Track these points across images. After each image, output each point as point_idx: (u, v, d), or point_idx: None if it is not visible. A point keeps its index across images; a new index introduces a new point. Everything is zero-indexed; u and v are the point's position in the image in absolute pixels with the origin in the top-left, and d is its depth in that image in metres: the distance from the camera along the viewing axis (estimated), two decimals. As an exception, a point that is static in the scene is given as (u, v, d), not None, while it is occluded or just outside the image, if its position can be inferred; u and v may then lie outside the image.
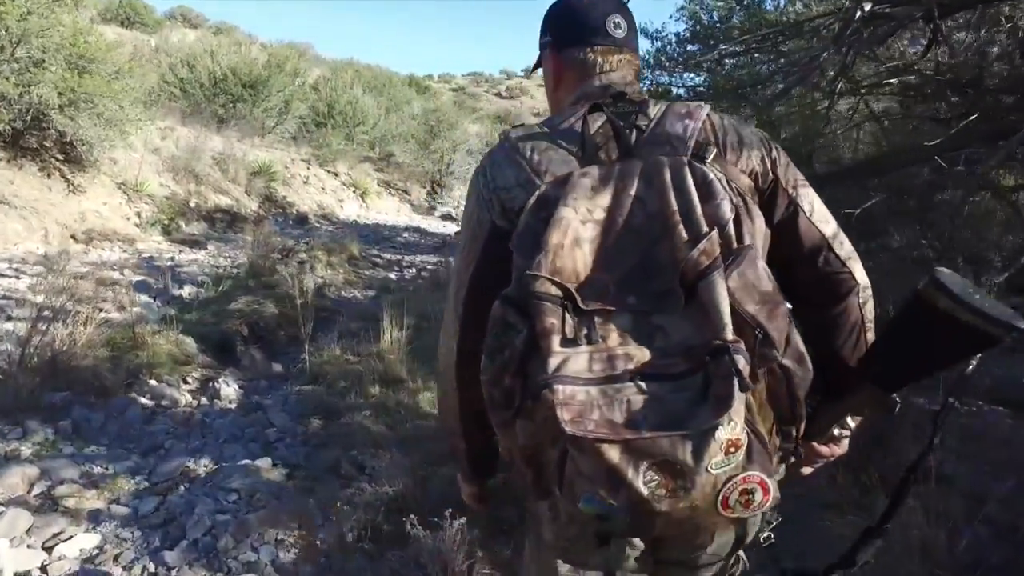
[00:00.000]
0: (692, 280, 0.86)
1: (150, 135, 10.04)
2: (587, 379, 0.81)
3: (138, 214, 8.96)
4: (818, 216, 1.06)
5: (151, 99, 10.71)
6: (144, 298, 6.03)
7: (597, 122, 1.01)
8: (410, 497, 2.70)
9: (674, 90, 10.40)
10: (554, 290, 0.86)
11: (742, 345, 0.81)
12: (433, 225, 14.61)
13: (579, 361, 0.83)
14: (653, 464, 0.78)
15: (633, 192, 0.94)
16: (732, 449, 0.79)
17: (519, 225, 0.97)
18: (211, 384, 4.52)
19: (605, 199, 0.94)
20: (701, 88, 10.14)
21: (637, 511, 0.80)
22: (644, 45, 13.43)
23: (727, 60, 9.45)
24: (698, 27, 10.00)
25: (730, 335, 0.81)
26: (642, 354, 0.83)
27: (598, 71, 1.13)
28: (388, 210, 14.56)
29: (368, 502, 2.66)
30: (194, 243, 8.98)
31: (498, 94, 34.45)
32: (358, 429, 3.60)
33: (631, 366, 0.82)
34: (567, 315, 0.86)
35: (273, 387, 4.71)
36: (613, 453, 0.78)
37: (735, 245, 0.91)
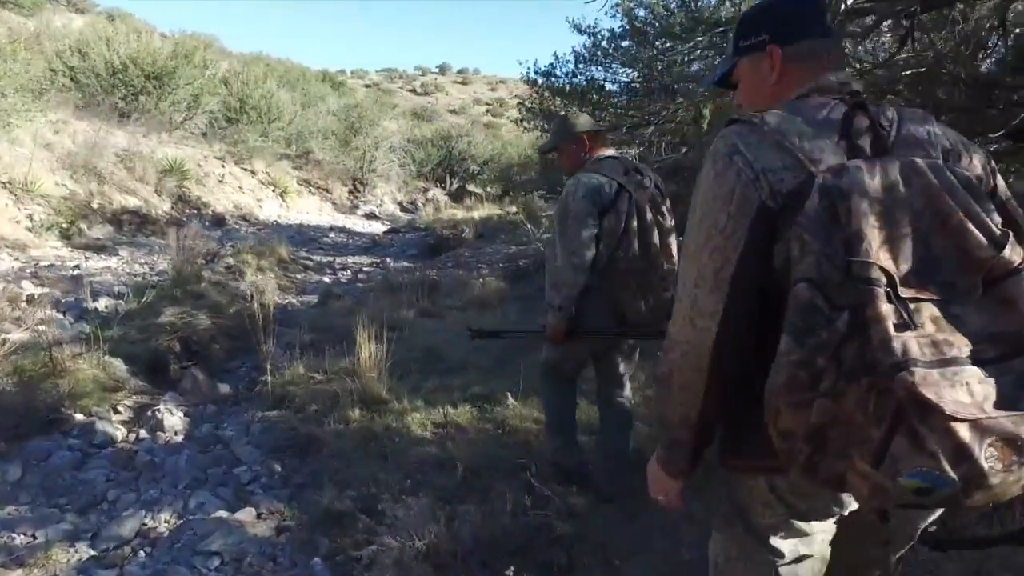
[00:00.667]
0: (998, 276, 0.92)
1: (40, 128, 8.78)
2: (927, 362, 0.85)
3: (30, 216, 7.76)
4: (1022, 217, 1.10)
5: (39, 88, 9.39)
6: (52, 313, 5.11)
7: (857, 118, 1.05)
8: (445, 549, 2.22)
9: (608, 85, 10.26)
10: (883, 277, 0.89)
11: None
12: (358, 225, 13.83)
13: (913, 346, 0.86)
14: (996, 441, 0.83)
15: (902, 190, 0.96)
16: None
17: (808, 209, 0.95)
18: (150, 413, 3.80)
19: (882, 194, 0.95)
20: (636, 84, 10.05)
21: (970, 485, 0.84)
22: (577, 40, 13.10)
23: (665, 56, 9.36)
24: (634, 23, 9.87)
25: None
26: (958, 340, 0.89)
27: (830, 66, 1.16)
28: (310, 209, 13.64)
29: (397, 560, 2.16)
30: (100, 248, 7.90)
31: (413, 90, 33.59)
32: (347, 463, 3.05)
33: (955, 352, 0.87)
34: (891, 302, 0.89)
35: (224, 412, 4.03)
36: (964, 431, 0.82)
37: None
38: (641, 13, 9.94)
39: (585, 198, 2.37)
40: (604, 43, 10.52)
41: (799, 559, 1.21)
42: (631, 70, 10.31)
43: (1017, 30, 3.54)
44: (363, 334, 3.90)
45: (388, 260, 9.88)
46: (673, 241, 2.55)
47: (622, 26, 10.09)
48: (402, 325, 5.40)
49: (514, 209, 15.00)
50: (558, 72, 11.14)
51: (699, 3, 8.74)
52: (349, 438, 3.28)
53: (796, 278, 0.93)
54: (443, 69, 43.67)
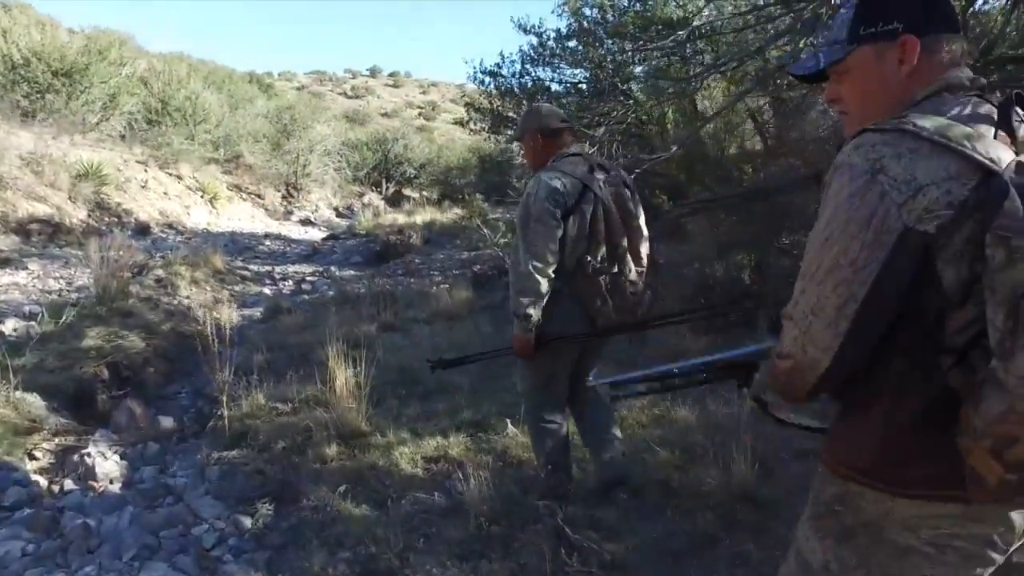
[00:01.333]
0: None
1: (-72, 127, 7.67)
2: None
3: (-84, 228, 6.73)
4: None
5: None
6: (-53, 340, 4.29)
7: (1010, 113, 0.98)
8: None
9: (553, 86, 9.96)
10: None
11: None
12: (294, 231, 13.00)
13: None
14: None
15: None
16: None
17: (1010, 210, 0.85)
18: (77, 457, 3.14)
19: None
20: (582, 85, 9.80)
21: None
22: (523, 40, 12.87)
23: (615, 56, 9.16)
24: (583, 23, 9.62)
25: None
26: None
27: (959, 62, 1.05)
28: (241, 216, 12.69)
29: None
30: (4, 262, 6.92)
31: (344, 93, 32.43)
32: (334, 514, 2.54)
33: None
34: None
35: (169, 452, 3.40)
36: None
37: None
38: (589, 12, 9.71)
39: (547, 199, 2.22)
40: (551, 43, 10.25)
41: None
42: (579, 70, 10.06)
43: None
44: (334, 356, 3.37)
45: (332, 268, 9.21)
46: (644, 243, 2.41)
47: (569, 26, 9.82)
48: (365, 342, 4.87)
49: (460, 212, 14.55)
50: (504, 72, 10.80)
51: (650, 2, 8.58)
52: (331, 481, 2.75)
53: (1018, 287, 0.83)
54: (374, 72, 42.43)
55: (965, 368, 0.91)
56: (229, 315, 5.32)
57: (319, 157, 15.40)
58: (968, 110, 0.97)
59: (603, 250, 2.31)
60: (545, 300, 2.25)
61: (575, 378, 2.56)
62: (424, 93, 41.07)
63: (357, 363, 3.46)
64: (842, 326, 0.95)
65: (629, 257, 2.35)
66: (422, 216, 13.97)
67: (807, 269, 1.00)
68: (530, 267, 2.21)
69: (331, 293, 7.10)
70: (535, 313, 2.24)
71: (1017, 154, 0.92)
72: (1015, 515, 0.96)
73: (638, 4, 8.45)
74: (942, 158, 0.91)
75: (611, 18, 8.77)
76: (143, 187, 10.68)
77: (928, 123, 0.94)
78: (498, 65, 10.56)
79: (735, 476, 2.54)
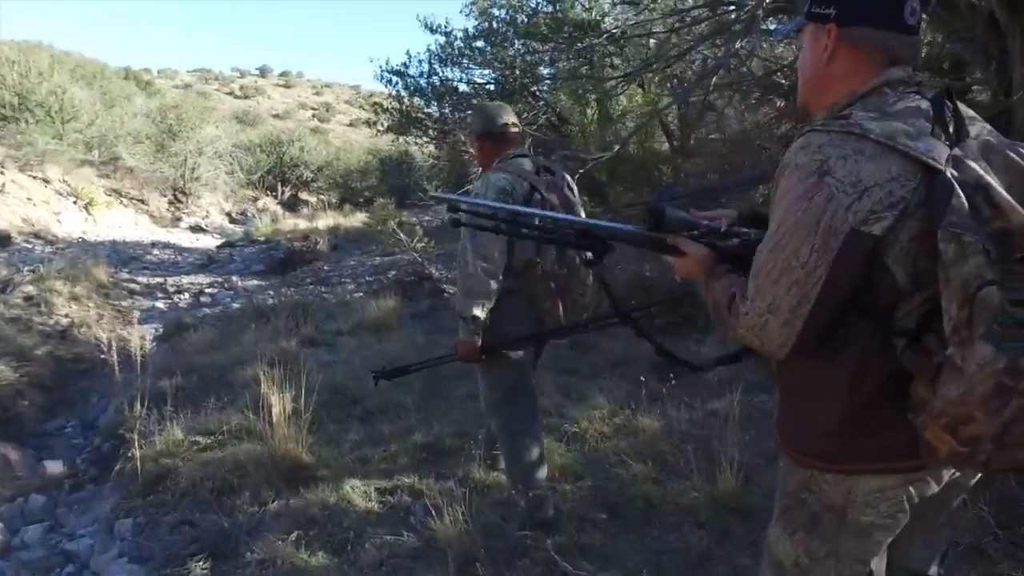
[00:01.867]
0: None
1: None
2: None
3: None
4: None
5: None
6: None
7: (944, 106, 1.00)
8: None
9: (461, 86, 9.72)
10: None
11: None
12: (184, 239, 11.92)
13: None
14: None
15: (991, 170, 0.96)
16: None
17: (957, 207, 0.90)
18: (-59, 523, 2.54)
19: (988, 178, 0.94)
20: (490, 85, 9.63)
21: None
22: (429, 40, 12.45)
23: (525, 57, 9.05)
24: (493, 23, 9.44)
25: None
26: None
27: (897, 58, 1.07)
28: (123, 224, 11.46)
29: None
30: None
31: (231, 93, 30.37)
32: (285, 566, 2.16)
33: None
34: None
35: (61, 504, 2.85)
36: None
37: None
38: (498, 13, 9.54)
39: (495, 200, 2.17)
40: (458, 43, 10.01)
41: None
42: (488, 71, 9.88)
43: None
44: (266, 379, 2.95)
45: (234, 278, 8.46)
46: None
47: (478, 26, 9.62)
48: (288, 359, 4.42)
49: (365, 217, 13.96)
50: (412, 72, 10.43)
51: (559, 4, 8.53)
52: (276, 527, 2.36)
53: (972, 281, 0.88)
54: (264, 71, 40.01)
55: (917, 350, 0.98)
56: (135, 333, 4.65)
57: (209, 160, 14.26)
58: (909, 105, 1.01)
59: (553, 254, 2.27)
60: (493, 302, 2.19)
61: None
62: (318, 94, 39.31)
63: (286, 384, 3.05)
64: (797, 325, 1.00)
65: (578, 259, 2.31)
66: (325, 221, 13.26)
67: (761, 268, 1.02)
68: (478, 268, 2.16)
69: (236, 306, 6.48)
70: (482, 315, 2.17)
71: (951, 148, 0.96)
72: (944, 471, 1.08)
73: (549, 6, 8.39)
74: (886, 159, 0.95)
75: (522, 19, 8.66)
76: (0, 191, 9.38)
77: (874, 124, 0.97)
78: (405, 65, 10.19)
79: (720, 488, 2.41)
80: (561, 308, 2.31)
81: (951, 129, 0.98)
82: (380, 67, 10.08)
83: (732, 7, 4.38)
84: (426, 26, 9.87)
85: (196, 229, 13.07)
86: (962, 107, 1.03)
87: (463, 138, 8.26)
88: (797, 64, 1.19)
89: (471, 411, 3.32)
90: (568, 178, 2.41)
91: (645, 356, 3.87)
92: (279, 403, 2.82)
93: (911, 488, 1.06)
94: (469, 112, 9.36)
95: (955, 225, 0.89)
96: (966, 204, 0.90)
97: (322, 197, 18.31)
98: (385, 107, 10.06)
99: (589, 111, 6.93)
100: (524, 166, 2.31)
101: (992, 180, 0.92)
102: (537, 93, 9.00)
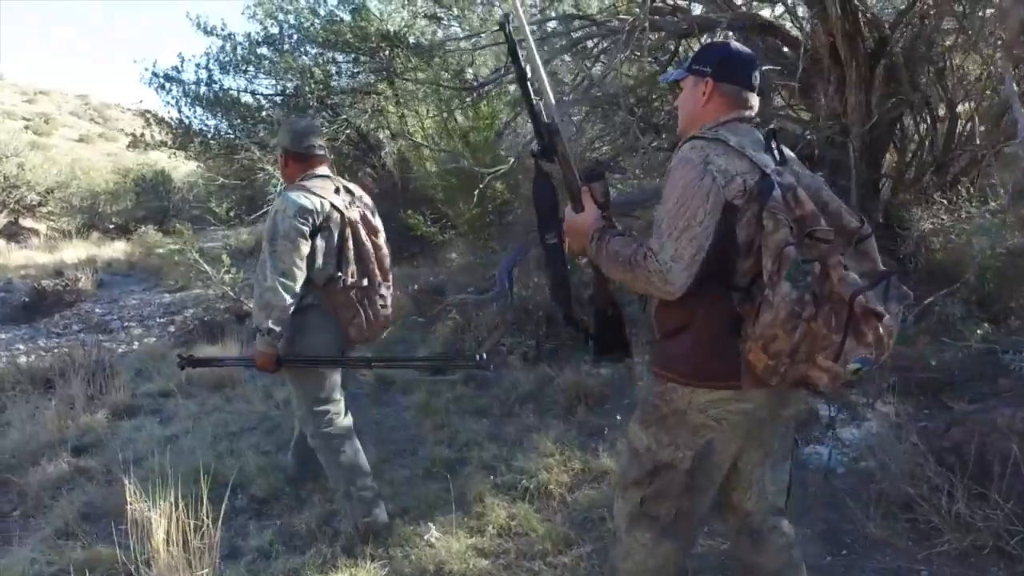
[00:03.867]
0: (860, 239, 1.41)
1: None
2: (864, 287, 1.33)
3: None
4: None
5: None
6: None
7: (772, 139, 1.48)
8: None
9: (244, 96, 8.55)
10: (831, 236, 1.33)
11: None
12: None
13: (855, 279, 1.33)
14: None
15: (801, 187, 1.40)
16: None
17: (776, 197, 1.33)
18: None
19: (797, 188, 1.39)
20: (278, 97, 8.66)
21: (879, 359, 1.34)
22: (205, 43, 10.88)
23: (324, 67, 8.27)
24: (282, 28, 8.45)
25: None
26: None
27: (746, 105, 1.52)
28: None
29: None
30: None
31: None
32: None
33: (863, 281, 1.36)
34: None
35: None
36: (882, 326, 1.31)
37: None
38: (283, 18, 8.56)
39: (295, 217, 2.25)
40: (240, 49, 8.86)
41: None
42: (277, 81, 8.83)
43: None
44: (133, 490, 2.00)
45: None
46: (387, 259, 2.53)
47: (263, 31, 8.56)
48: (99, 440, 3.25)
49: (124, 246, 11.62)
50: (186, 79, 8.97)
51: (366, 12, 7.92)
52: None
53: (781, 243, 1.29)
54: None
55: (746, 299, 1.37)
56: None
57: None
58: (753, 135, 1.48)
59: (353, 266, 2.37)
60: (289, 315, 2.24)
61: None
62: (30, 103, 32.10)
63: (128, 476, 2.14)
64: (694, 268, 1.36)
65: (378, 273, 2.44)
66: (73, 252, 10.77)
67: (665, 229, 1.38)
68: (276, 282, 2.21)
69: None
70: (277, 328, 2.23)
71: (775, 163, 1.42)
72: (762, 393, 1.42)
73: (347, 15, 7.70)
74: (740, 160, 1.38)
75: (315, 26, 7.83)
76: None
77: (733, 138, 1.41)
78: (177, 69, 8.67)
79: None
80: (364, 319, 2.40)
81: (775, 153, 1.43)
82: (147, 69, 8.46)
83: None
84: (200, 27, 8.50)
85: None
86: (783, 147, 1.47)
87: (257, 154, 7.16)
88: (677, 102, 1.62)
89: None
90: (368, 199, 2.52)
91: (555, 385, 3.54)
92: (162, 525, 1.91)
93: (735, 403, 1.43)
94: (262, 125, 8.23)
95: (774, 209, 1.31)
96: (781, 197, 1.33)
97: (55, 225, 15.00)
98: (159, 118, 8.38)
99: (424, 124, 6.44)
100: (325, 185, 2.37)
101: (798, 186, 1.36)
102: (335, 106, 8.21)
